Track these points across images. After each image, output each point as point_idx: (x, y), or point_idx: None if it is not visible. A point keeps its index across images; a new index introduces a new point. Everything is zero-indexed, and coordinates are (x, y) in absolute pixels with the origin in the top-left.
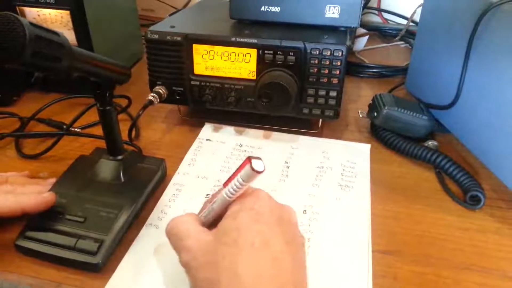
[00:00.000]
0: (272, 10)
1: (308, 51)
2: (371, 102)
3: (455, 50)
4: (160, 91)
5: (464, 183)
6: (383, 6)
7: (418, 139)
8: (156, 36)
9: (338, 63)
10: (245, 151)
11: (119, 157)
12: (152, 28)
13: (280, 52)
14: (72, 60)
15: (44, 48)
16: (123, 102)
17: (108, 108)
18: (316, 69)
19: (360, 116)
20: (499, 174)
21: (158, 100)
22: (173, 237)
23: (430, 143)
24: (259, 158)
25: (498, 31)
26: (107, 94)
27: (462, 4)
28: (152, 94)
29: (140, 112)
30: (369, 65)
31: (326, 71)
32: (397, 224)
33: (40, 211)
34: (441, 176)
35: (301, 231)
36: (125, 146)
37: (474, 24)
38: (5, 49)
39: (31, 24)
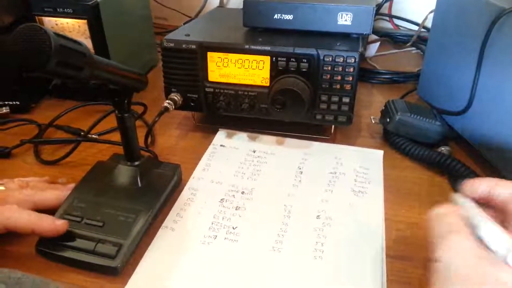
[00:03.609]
0: (285, 18)
1: (321, 58)
2: (383, 108)
3: (468, 56)
4: (175, 98)
5: None
6: (394, 12)
7: (431, 145)
8: (172, 45)
9: (351, 69)
10: (258, 156)
11: (136, 163)
12: (167, 36)
13: (293, 59)
14: (93, 69)
15: (67, 57)
16: (139, 109)
17: (126, 115)
18: (329, 76)
19: (373, 122)
20: None
21: (173, 107)
22: (440, 226)
23: (443, 148)
24: None
25: (511, 37)
26: (125, 101)
27: (474, 10)
28: (167, 101)
29: (156, 119)
30: (381, 71)
31: (339, 77)
32: (410, 229)
33: (49, 236)
34: (455, 181)
35: None
36: (141, 152)
37: (487, 30)
38: (31, 58)
39: (56, 34)
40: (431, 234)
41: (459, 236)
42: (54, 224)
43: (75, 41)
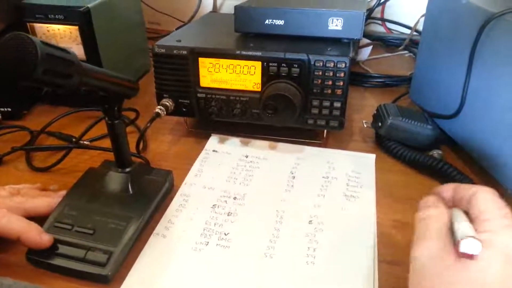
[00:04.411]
0: (276, 23)
1: (312, 63)
2: (375, 112)
3: (458, 59)
4: (167, 103)
5: None
6: (386, 16)
7: (423, 149)
8: (163, 50)
9: (342, 74)
10: (251, 161)
11: (127, 170)
12: (159, 42)
13: (284, 64)
14: (82, 77)
15: (55, 66)
16: (131, 115)
17: (116, 121)
18: (320, 81)
19: (365, 126)
20: (504, 182)
21: (165, 112)
22: (421, 227)
23: (435, 152)
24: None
25: (500, 41)
26: (116, 108)
27: (464, 14)
28: (159, 106)
29: (148, 125)
30: (373, 75)
31: (330, 82)
32: (402, 234)
33: (32, 247)
34: None
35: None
36: (133, 158)
37: (477, 34)
38: (18, 67)
39: (43, 42)
40: (414, 234)
41: (434, 241)
42: (39, 237)
43: (62, 49)
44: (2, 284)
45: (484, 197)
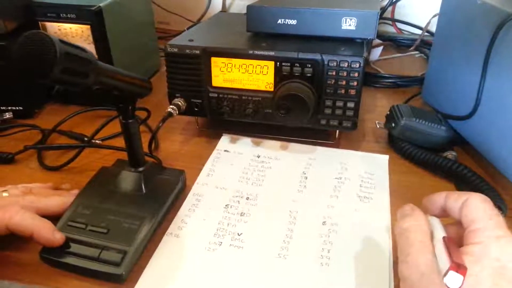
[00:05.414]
0: (289, 23)
1: (326, 63)
2: (388, 113)
3: (473, 60)
4: (179, 103)
5: (485, 194)
6: (397, 16)
7: (436, 150)
8: (176, 50)
9: (356, 74)
10: (262, 162)
11: (141, 169)
12: (171, 42)
13: (298, 64)
14: (98, 76)
15: (72, 65)
16: (142, 114)
17: (130, 121)
18: (333, 81)
19: (378, 126)
20: None
21: (177, 112)
22: (403, 243)
23: (449, 153)
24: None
25: None
26: (130, 107)
27: (480, 14)
28: (171, 106)
29: (160, 124)
30: (384, 75)
31: (344, 82)
32: None
33: (45, 245)
34: (461, 187)
35: None
36: (145, 157)
37: (492, 35)
38: (36, 66)
39: (61, 41)
40: (398, 250)
41: (419, 253)
42: (52, 235)
43: (80, 48)
44: None
45: (475, 205)
